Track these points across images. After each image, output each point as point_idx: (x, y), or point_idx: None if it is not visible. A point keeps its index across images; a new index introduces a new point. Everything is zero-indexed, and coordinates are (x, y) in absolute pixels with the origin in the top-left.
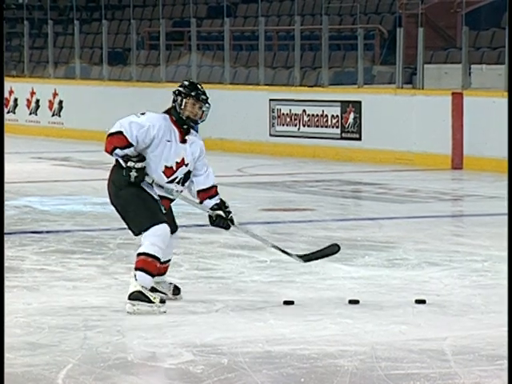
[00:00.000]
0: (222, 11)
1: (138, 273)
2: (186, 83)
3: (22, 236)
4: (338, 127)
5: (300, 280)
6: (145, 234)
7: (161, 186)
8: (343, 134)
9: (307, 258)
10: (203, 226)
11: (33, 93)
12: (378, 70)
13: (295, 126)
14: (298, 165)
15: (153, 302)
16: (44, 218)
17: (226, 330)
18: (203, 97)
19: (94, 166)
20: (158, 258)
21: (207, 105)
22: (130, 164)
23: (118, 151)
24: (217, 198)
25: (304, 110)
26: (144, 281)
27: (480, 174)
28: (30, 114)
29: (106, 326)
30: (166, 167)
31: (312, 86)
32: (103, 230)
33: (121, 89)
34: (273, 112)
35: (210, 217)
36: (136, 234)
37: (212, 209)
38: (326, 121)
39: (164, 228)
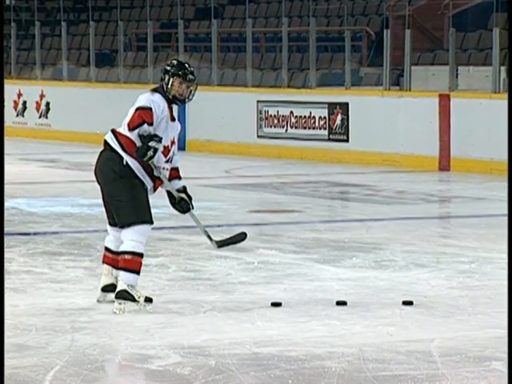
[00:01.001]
0: (210, 13)
1: (122, 272)
2: (174, 62)
3: (10, 238)
4: (325, 129)
5: (287, 281)
6: (125, 230)
7: (154, 166)
8: (331, 136)
9: (220, 243)
10: (191, 227)
11: (20, 94)
12: (366, 71)
13: (283, 127)
14: (286, 166)
15: (138, 301)
16: (31, 219)
17: (214, 331)
18: (190, 76)
19: (82, 167)
20: (139, 254)
21: (194, 84)
22: (152, 144)
23: (145, 126)
24: (182, 181)
25: (291, 112)
26: (128, 279)
27: (467, 176)
28: (17, 115)
29: (93, 327)
30: (165, 147)
31: (299, 88)
32: (90, 232)
33: (108, 90)
34: (260, 114)
35: (171, 197)
36: (120, 226)
37: (178, 190)
38: (314, 122)
39: (147, 228)
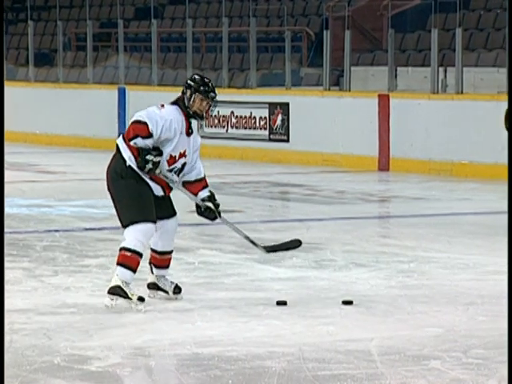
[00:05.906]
0: (150, 12)
1: (119, 268)
2: (197, 77)
3: None
4: (266, 129)
5: (228, 281)
6: (129, 228)
7: (165, 176)
8: (271, 136)
9: (270, 249)
10: None
11: None
12: (306, 71)
13: (223, 127)
14: (226, 166)
15: (130, 299)
16: None
17: (154, 332)
18: (212, 94)
19: (20, 167)
20: (138, 253)
21: (215, 102)
22: (148, 157)
23: (138, 140)
24: (207, 189)
25: (232, 112)
26: (124, 276)
27: (406, 176)
28: None
29: (32, 328)
30: (171, 156)
31: (240, 88)
32: (29, 233)
33: (47, 90)
34: None
35: (198, 207)
36: (123, 226)
37: (203, 200)
38: (254, 122)
39: (149, 227)
